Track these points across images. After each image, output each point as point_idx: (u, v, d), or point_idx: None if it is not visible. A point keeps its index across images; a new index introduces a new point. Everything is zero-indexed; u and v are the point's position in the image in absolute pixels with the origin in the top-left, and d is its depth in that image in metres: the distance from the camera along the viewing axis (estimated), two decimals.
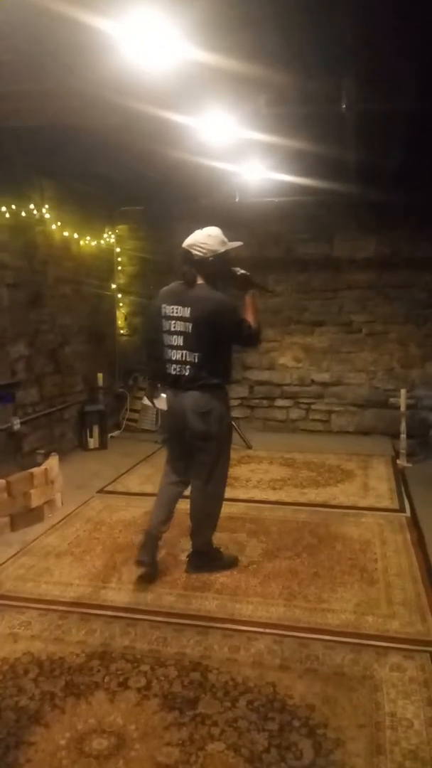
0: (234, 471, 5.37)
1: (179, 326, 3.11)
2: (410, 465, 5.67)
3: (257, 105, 3.63)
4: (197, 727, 2.15)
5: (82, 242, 6.30)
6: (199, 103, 3.72)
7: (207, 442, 3.19)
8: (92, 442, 6.21)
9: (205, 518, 3.42)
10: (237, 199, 6.15)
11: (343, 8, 2.71)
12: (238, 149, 4.62)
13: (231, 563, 3.48)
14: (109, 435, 6.55)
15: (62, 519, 4.21)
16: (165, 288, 3.31)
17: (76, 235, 6.15)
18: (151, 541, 3.34)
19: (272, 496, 4.71)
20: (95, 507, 4.47)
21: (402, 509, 4.41)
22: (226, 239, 3.22)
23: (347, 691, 2.36)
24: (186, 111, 3.83)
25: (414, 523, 4.17)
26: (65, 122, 4.04)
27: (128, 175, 5.65)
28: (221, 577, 3.32)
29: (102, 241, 6.78)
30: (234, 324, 3.14)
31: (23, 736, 2.10)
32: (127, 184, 6.05)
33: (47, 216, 5.53)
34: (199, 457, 3.25)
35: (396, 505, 4.49)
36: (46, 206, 5.50)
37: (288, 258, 6.65)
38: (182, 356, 3.11)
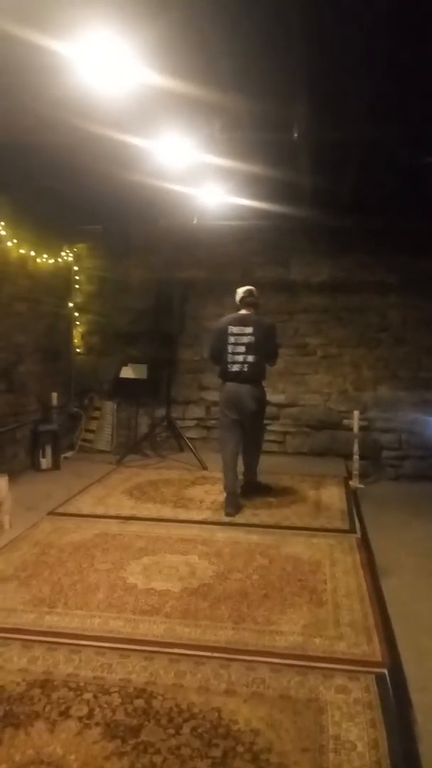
0: (188, 492, 5.37)
1: (244, 339, 4.81)
2: (362, 486, 5.75)
3: (212, 129, 3.69)
4: (139, 756, 2.11)
5: (39, 260, 6.24)
6: (155, 126, 3.77)
7: (258, 416, 5.00)
8: (45, 463, 6.10)
9: (256, 460, 5.27)
10: (195, 222, 6.20)
11: (296, 35, 2.79)
12: (196, 172, 4.68)
13: (270, 489, 5.36)
14: (63, 455, 6.45)
15: (9, 542, 4.10)
16: (228, 316, 5.05)
17: (32, 253, 6.09)
18: (233, 497, 4.85)
19: (225, 517, 4.70)
20: (44, 529, 4.38)
21: (353, 530, 4.45)
22: None
23: (292, 714, 2.35)
24: (142, 133, 3.88)
25: (364, 543, 4.21)
26: (21, 140, 4.03)
27: (87, 195, 5.65)
28: (171, 600, 3.28)
29: (60, 260, 6.74)
30: (275, 340, 5.03)
31: None
32: (86, 204, 6.04)
33: (2, 233, 5.47)
34: (253, 424, 4.98)
35: (347, 526, 4.53)
36: (1, 223, 5.44)
37: (244, 280, 6.66)
38: (244, 359, 4.79)
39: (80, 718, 2.29)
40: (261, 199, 5.49)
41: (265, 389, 5.13)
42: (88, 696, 2.43)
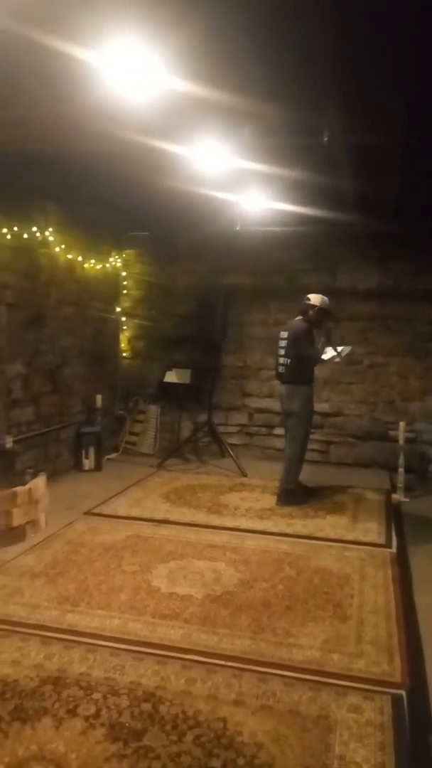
0: (224, 498, 5.35)
1: (282, 343, 5.21)
2: (407, 500, 5.58)
3: (245, 135, 3.68)
4: (139, 760, 2.11)
5: (86, 265, 6.39)
6: (191, 132, 3.78)
7: (292, 416, 5.23)
8: (87, 464, 6.21)
9: (289, 465, 5.27)
10: (238, 228, 6.20)
11: (328, 39, 2.75)
12: (236, 179, 4.67)
13: (310, 494, 5.42)
14: (106, 457, 6.56)
15: (43, 539, 4.20)
16: None
17: (80, 258, 6.24)
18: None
19: (258, 525, 4.66)
20: (78, 529, 4.46)
21: (388, 545, 4.32)
22: (326, 301, 5.30)
23: (299, 730, 2.30)
24: (180, 140, 3.90)
25: (400, 559, 4.09)
26: (62, 149, 4.13)
27: (135, 202, 5.74)
28: (192, 606, 3.27)
29: (108, 265, 6.87)
30: (299, 343, 5.14)
31: None
32: (134, 211, 6.15)
33: (51, 239, 5.63)
34: (289, 424, 5.31)
35: (382, 540, 4.40)
36: (50, 229, 5.60)
37: (290, 287, 6.66)
38: (283, 361, 5.19)
39: (86, 718, 2.32)
40: (306, 204, 5.42)
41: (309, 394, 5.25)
42: (97, 696, 2.45)
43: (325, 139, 3.49)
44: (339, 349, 5.31)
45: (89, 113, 3.31)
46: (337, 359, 5.37)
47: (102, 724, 2.28)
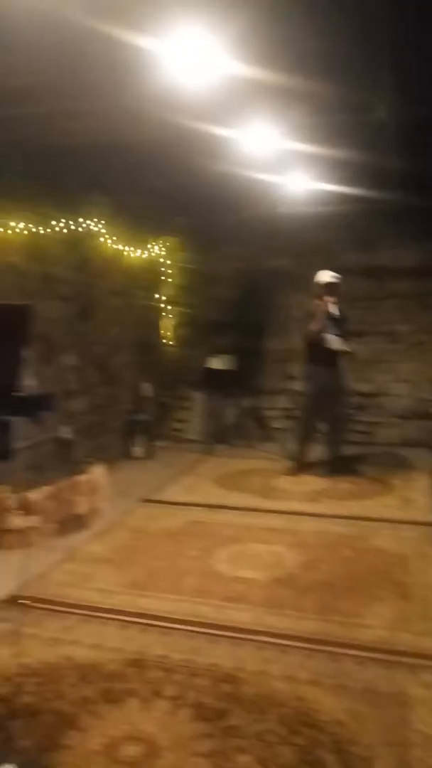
0: (275, 482, 5.43)
1: None
2: None
3: (298, 115, 3.69)
4: (226, 739, 2.21)
5: (131, 255, 6.47)
6: (241, 115, 3.82)
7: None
8: (137, 451, 6.35)
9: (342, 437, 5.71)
10: (281, 210, 6.19)
11: (382, 16, 2.74)
12: (281, 160, 4.69)
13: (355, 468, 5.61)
14: (154, 444, 6.69)
15: (106, 527, 4.34)
16: None
17: (126, 248, 6.33)
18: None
19: (311, 508, 4.73)
20: (138, 516, 4.59)
21: None
22: (324, 275, 5.53)
23: (377, 708, 2.37)
24: (229, 124, 3.94)
25: None
26: (114, 139, 4.20)
27: (176, 188, 5.78)
28: (257, 589, 3.37)
29: (150, 253, 6.94)
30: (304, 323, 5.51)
31: (60, 739, 2.21)
32: (176, 197, 6.18)
33: (100, 230, 5.71)
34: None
35: None
36: (99, 221, 5.68)
37: (329, 267, 6.62)
38: None
39: (171, 699, 2.43)
40: (346, 183, 5.40)
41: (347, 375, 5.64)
42: (178, 678, 2.57)
43: (379, 115, 3.49)
44: (339, 342, 5.41)
45: (144, 102, 3.39)
46: (343, 348, 5.47)
47: (187, 705, 2.39)
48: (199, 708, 2.37)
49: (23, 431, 2.07)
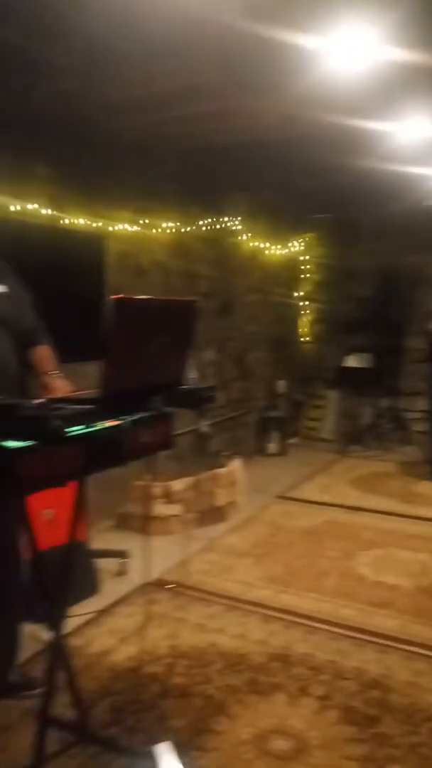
0: (415, 488, 5.21)
1: None
2: None
3: None
4: (378, 746, 2.13)
5: (269, 252, 6.49)
6: (393, 106, 3.68)
7: None
8: (271, 448, 6.36)
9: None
10: (425, 204, 5.90)
11: None
12: (429, 151, 4.47)
13: None
14: (287, 442, 6.66)
15: (243, 520, 4.38)
16: None
17: (264, 245, 6.35)
18: None
19: None
20: (274, 512, 4.59)
21: None
22: None
23: None
24: (380, 116, 3.81)
25: None
26: (258, 138, 4.22)
27: (318, 184, 5.71)
28: (402, 596, 3.24)
29: (288, 250, 6.91)
30: None
31: (210, 723, 2.25)
32: (317, 193, 6.11)
33: (239, 227, 5.78)
34: None
35: None
36: (239, 218, 5.76)
37: None
38: None
39: (318, 698, 2.39)
40: None
41: None
42: (324, 678, 2.52)
43: None
44: None
45: (296, 99, 3.34)
46: None
47: (335, 706, 2.34)
48: (348, 711, 2.31)
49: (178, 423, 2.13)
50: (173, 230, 4.94)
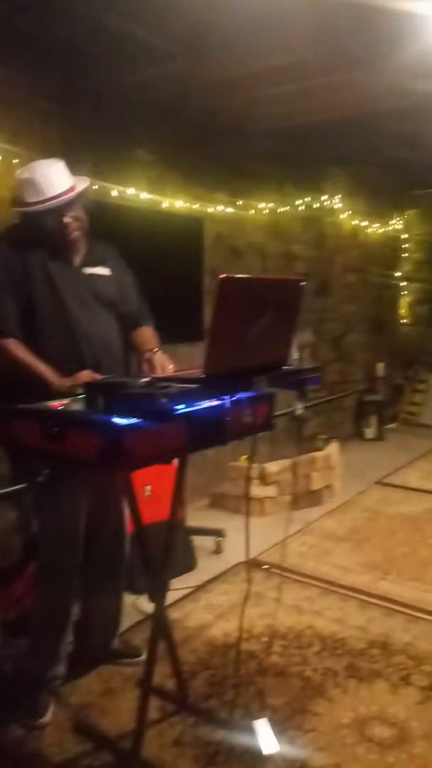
0: None
1: None
2: None
3: None
4: None
5: (369, 230, 6.28)
6: None
7: None
8: (369, 432, 6.21)
9: None
10: None
11: None
12: None
13: None
14: (386, 426, 6.47)
15: (340, 505, 4.32)
16: None
17: (363, 223, 6.15)
18: None
19: None
20: (372, 497, 4.49)
21: None
22: None
23: None
24: None
25: None
26: (356, 111, 4.07)
27: (421, 159, 5.44)
28: None
29: (389, 228, 6.66)
30: None
31: (308, 705, 2.24)
32: (420, 168, 5.82)
33: (338, 206, 5.63)
34: None
35: None
36: (338, 196, 5.60)
37: None
38: None
39: (421, 688, 2.32)
40: None
41: None
42: (427, 668, 2.44)
43: None
44: None
45: (403, 70, 3.18)
46: None
47: None
48: None
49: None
50: (269, 211, 4.89)
